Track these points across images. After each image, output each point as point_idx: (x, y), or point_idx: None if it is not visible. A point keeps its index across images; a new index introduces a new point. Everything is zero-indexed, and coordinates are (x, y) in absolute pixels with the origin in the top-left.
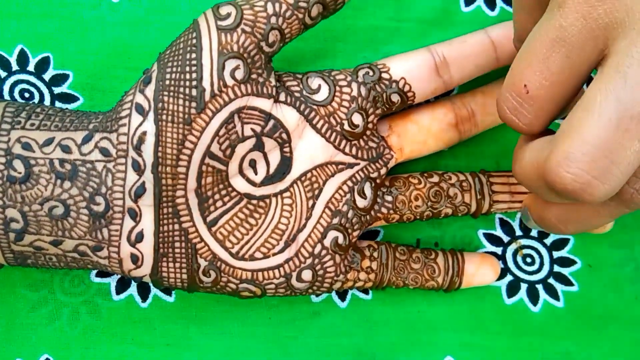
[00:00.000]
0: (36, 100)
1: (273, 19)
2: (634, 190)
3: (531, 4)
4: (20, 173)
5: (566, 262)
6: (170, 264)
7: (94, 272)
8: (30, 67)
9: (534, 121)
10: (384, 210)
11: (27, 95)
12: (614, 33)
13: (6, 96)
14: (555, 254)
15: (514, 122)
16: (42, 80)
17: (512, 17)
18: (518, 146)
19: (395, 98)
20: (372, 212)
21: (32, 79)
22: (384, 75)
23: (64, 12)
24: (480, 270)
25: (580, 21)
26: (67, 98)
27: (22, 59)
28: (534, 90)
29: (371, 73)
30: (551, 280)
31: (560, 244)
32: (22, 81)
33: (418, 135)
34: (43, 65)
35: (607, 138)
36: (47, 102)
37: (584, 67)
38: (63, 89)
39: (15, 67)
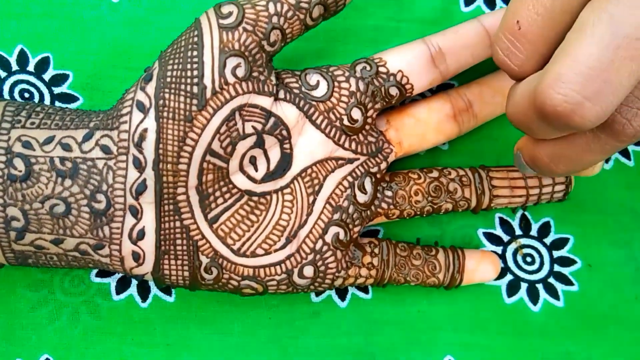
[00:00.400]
0: (36, 100)
1: (274, 19)
2: (626, 120)
3: None
4: (20, 171)
5: (566, 261)
6: (172, 262)
7: (94, 272)
8: (30, 67)
9: (526, 62)
10: (384, 205)
11: (27, 95)
12: None
13: (6, 96)
14: (556, 254)
15: (507, 64)
16: (42, 81)
17: None
18: (512, 87)
19: (393, 91)
20: (373, 208)
21: (32, 79)
22: (381, 69)
23: (64, 12)
24: (480, 267)
25: None
26: (67, 98)
27: (22, 59)
28: (526, 26)
29: (368, 67)
30: (551, 280)
31: (560, 244)
32: (22, 81)
33: (416, 128)
34: (43, 65)
35: (600, 58)
36: (47, 102)
37: (576, 1)
38: (63, 89)
39: (15, 67)
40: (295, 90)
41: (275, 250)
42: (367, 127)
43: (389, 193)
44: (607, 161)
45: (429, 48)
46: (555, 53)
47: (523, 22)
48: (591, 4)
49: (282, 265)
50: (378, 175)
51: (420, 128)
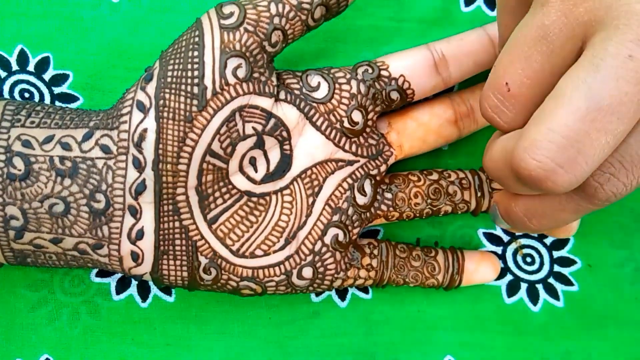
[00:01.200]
0: (36, 100)
1: (276, 20)
2: (598, 184)
3: (514, 4)
4: (20, 170)
5: (566, 261)
6: (171, 262)
7: (94, 272)
8: (30, 67)
9: (514, 119)
10: (383, 207)
11: (27, 95)
12: (592, 30)
13: (6, 96)
14: (555, 254)
15: (495, 120)
16: (42, 80)
17: (496, 20)
18: (491, 140)
19: (394, 95)
20: (372, 210)
21: (32, 79)
22: (383, 73)
23: (64, 12)
24: (480, 268)
25: (562, 19)
26: (67, 98)
27: (22, 59)
28: (515, 89)
29: (370, 70)
30: (551, 280)
31: (560, 244)
32: (22, 81)
33: (417, 131)
34: (43, 65)
35: (575, 127)
36: (47, 102)
37: (564, 65)
38: (63, 89)
39: (15, 67)
40: (296, 92)
41: (274, 251)
42: (368, 129)
43: (388, 195)
44: None
45: (433, 54)
46: (533, 116)
47: (512, 84)
48: (570, 72)
49: (281, 266)
50: (378, 178)
51: (421, 131)
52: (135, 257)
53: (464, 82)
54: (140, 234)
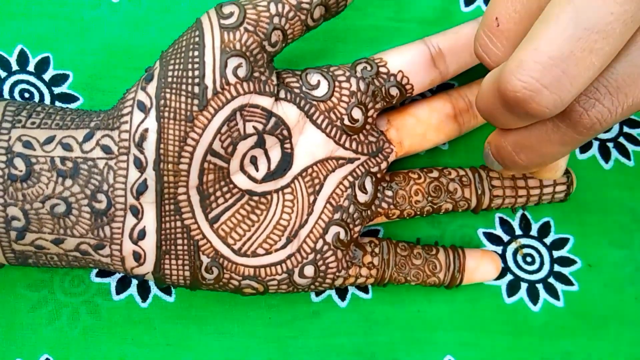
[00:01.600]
0: (36, 100)
1: (276, 19)
2: (583, 109)
3: None
4: (21, 171)
5: (566, 261)
6: (173, 261)
7: (94, 272)
8: (30, 67)
9: (502, 57)
10: (384, 205)
11: (27, 95)
12: None
13: (6, 96)
14: (556, 254)
15: (484, 59)
16: (42, 81)
17: None
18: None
19: (394, 91)
20: (373, 207)
21: (32, 79)
22: (382, 69)
23: (64, 12)
24: (481, 266)
25: None
26: (67, 98)
27: (22, 59)
28: (504, 23)
29: (369, 68)
30: (551, 280)
31: (560, 244)
32: (22, 81)
33: (417, 128)
34: (43, 65)
35: (561, 48)
36: (47, 102)
37: None
38: (63, 89)
39: (15, 67)
40: (296, 90)
41: (276, 250)
42: (368, 126)
43: (389, 193)
44: (607, 161)
45: (429, 48)
46: (522, 41)
47: (501, 19)
48: None
49: (283, 265)
50: (379, 175)
51: (421, 128)
52: (137, 257)
53: (462, 78)
54: (142, 234)
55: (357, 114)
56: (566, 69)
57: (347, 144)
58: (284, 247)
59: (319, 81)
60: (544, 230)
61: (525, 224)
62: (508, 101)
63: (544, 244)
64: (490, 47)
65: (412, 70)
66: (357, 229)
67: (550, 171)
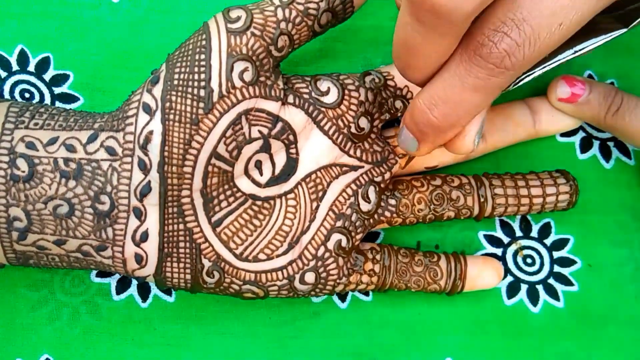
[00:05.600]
0: (36, 100)
1: (282, 24)
2: (492, 43)
3: None
4: (24, 172)
5: (566, 262)
6: (174, 264)
7: (94, 272)
8: (31, 67)
9: None
10: (387, 214)
11: (27, 95)
12: None
13: (6, 96)
14: (556, 254)
15: None
16: (43, 81)
17: None
18: None
19: (398, 104)
20: (376, 216)
21: (33, 79)
22: (390, 83)
23: (64, 12)
24: (483, 273)
25: None
26: (68, 98)
27: (23, 59)
28: None
29: (377, 80)
30: (551, 281)
31: (560, 244)
32: (23, 81)
33: None
34: (43, 65)
35: None
36: (47, 102)
37: None
38: (63, 89)
39: (15, 67)
40: (305, 96)
41: (278, 256)
42: (373, 135)
43: (392, 202)
44: (607, 160)
45: None
46: None
47: None
48: None
49: (284, 270)
50: (382, 185)
51: None
52: (139, 259)
53: None
54: (145, 236)
55: (363, 123)
56: None
57: (351, 152)
58: (285, 253)
59: (329, 88)
60: (545, 231)
61: (525, 226)
62: (414, 0)
63: (545, 245)
64: None
65: (416, 87)
66: (358, 236)
67: (461, 138)
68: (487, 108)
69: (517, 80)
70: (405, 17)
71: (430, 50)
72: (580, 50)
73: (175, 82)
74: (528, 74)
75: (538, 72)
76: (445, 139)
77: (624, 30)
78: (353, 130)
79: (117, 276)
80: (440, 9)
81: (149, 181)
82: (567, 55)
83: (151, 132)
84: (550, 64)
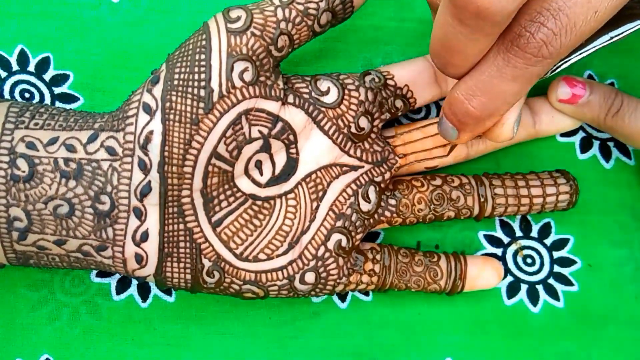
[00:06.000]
0: (36, 100)
1: (282, 24)
2: (529, 33)
3: None
4: (24, 172)
5: (566, 262)
6: (175, 264)
7: (94, 272)
8: (31, 67)
9: None
10: (387, 214)
11: (27, 95)
12: None
13: (6, 96)
14: (556, 254)
15: None
16: (43, 81)
17: None
18: None
19: (399, 104)
20: (376, 216)
21: (33, 79)
22: (389, 82)
23: (64, 12)
24: (483, 273)
25: None
26: (68, 98)
27: (23, 59)
28: None
29: (377, 80)
30: (551, 281)
31: (560, 244)
32: (23, 81)
33: (425, 143)
34: (43, 65)
35: None
36: (47, 102)
37: None
38: (63, 89)
39: (15, 67)
40: (305, 96)
41: (278, 256)
42: (373, 135)
43: (392, 202)
44: (607, 160)
45: (433, 65)
46: None
47: None
48: None
49: (284, 270)
50: (382, 185)
51: (428, 143)
52: (139, 259)
53: None
54: (145, 236)
55: (363, 122)
56: None
57: (351, 152)
58: (285, 253)
59: (329, 88)
60: (545, 231)
61: (525, 226)
62: (457, 3)
63: (545, 245)
64: None
65: (416, 86)
66: (358, 236)
67: (500, 127)
68: (524, 96)
69: (554, 68)
70: (446, 18)
71: (472, 48)
72: (616, 35)
73: (176, 82)
74: (565, 60)
75: (575, 58)
76: (485, 128)
77: None
78: (353, 130)
79: (117, 276)
80: (485, 12)
81: (149, 181)
82: (604, 41)
83: (151, 132)
84: (587, 50)
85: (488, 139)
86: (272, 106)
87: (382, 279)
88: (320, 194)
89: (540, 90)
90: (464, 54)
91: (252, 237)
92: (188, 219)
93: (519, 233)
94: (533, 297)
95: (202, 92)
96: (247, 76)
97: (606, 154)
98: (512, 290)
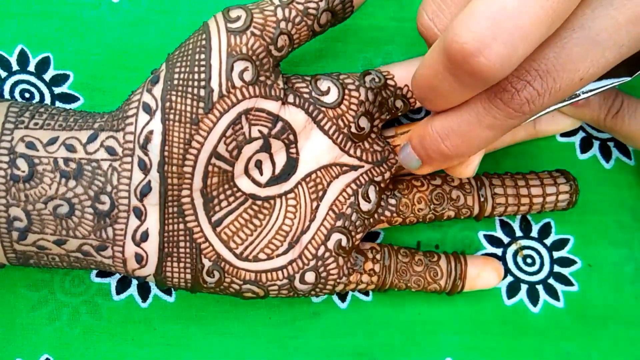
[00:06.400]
0: (36, 100)
1: (282, 24)
2: (515, 90)
3: None
4: (24, 172)
5: (566, 262)
6: (175, 264)
7: (94, 272)
8: (31, 67)
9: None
10: (387, 213)
11: (27, 95)
12: None
13: (6, 96)
14: (556, 254)
15: (430, 27)
16: (43, 81)
17: None
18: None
19: (399, 104)
20: (376, 215)
21: (33, 79)
22: (390, 82)
23: (64, 12)
24: (483, 273)
25: None
26: (68, 98)
27: (23, 59)
28: None
29: (377, 80)
30: (551, 281)
31: (560, 244)
32: (23, 81)
33: None
34: (43, 65)
35: (512, 1)
36: (47, 102)
37: None
38: (63, 89)
39: (15, 67)
40: (305, 95)
41: (278, 255)
42: (373, 135)
43: (392, 201)
44: (607, 160)
45: None
46: None
47: None
48: None
49: (284, 270)
50: (382, 185)
51: None
52: (139, 259)
53: None
54: (145, 236)
55: (364, 122)
56: (519, 23)
57: (351, 151)
58: (285, 252)
59: (329, 88)
60: (545, 231)
61: (525, 226)
62: (453, 57)
63: (545, 245)
64: (438, 14)
65: None
66: (359, 236)
67: (464, 167)
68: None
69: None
70: (438, 66)
71: (457, 97)
72: (588, 92)
73: (175, 81)
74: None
75: (546, 111)
76: (449, 165)
77: (629, 78)
78: (353, 129)
79: (117, 276)
80: (481, 74)
81: (149, 181)
82: (573, 98)
83: (151, 132)
84: (561, 105)
85: (448, 173)
86: (272, 106)
87: (382, 279)
88: (320, 193)
89: None
90: (446, 99)
91: (252, 236)
92: (188, 218)
93: (519, 233)
94: (533, 297)
95: (202, 92)
96: (247, 76)
97: (606, 154)
98: (512, 290)
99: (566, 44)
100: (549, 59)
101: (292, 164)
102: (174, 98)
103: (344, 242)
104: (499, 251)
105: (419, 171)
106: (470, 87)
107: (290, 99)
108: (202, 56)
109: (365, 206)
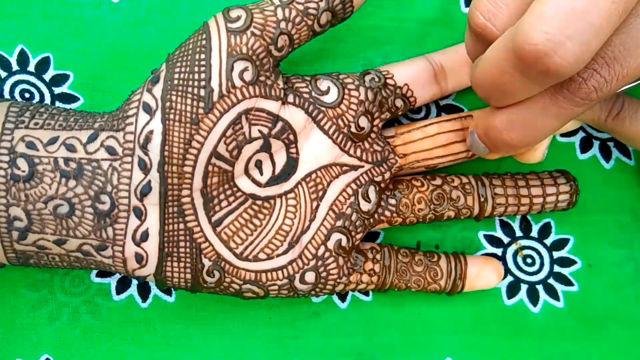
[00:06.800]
0: (36, 100)
1: (282, 24)
2: (582, 79)
3: None
4: (24, 172)
5: (566, 262)
6: (175, 264)
7: (94, 272)
8: (31, 67)
9: (507, 23)
10: (387, 213)
11: (27, 95)
12: None
13: (6, 96)
14: (556, 254)
15: (488, 27)
16: (43, 81)
17: None
18: (476, 60)
19: (399, 103)
20: (376, 215)
21: (33, 79)
22: (389, 82)
23: (64, 12)
24: (483, 273)
25: None
26: (68, 98)
27: (22, 59)
28: None
29: (377, 79)
30: (551, 281)
31: (560, 244)
32: (23, 81)
33: (424, 143)
34: (43, 65)
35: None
36: (47, 102)
37: None
38: (63, 89)
39: (15, 67)
40: (305, 95)
41: (278, 255)
42: (373, 135)
43: (392, 201)
44: (607, 160)
45: (432, 65)
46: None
47: None
48: None
49: (284, 270)
50: (382, 185)
51: (428, 143)
52: (139, 258)
53: (469, 102)
54: (145, 236)
55: (363, 122)
56: (590, 20)
57: (351, 151)
58: (285, 252)
59: (329, 87)
60: (545, 231)
61: (525, 226)
62: (526, 58)
63: (545, 245)
64: (495, 12)
65: (416, 85)
66: (359, 236)
67: (534, 152)
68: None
69: None
70: (505, 66)
71: (525, 93)
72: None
73: (176, 81)
74: None
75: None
76: (517, 152)
77: None
78: (353, 129)
79: (117, 276)
80: (555, 72)
81: (149, 181)
82: (637, 81)
83: (151, 132)
84: (625, 88)
85: (518, 159)
86: (272, 106)
87: (382, 279)
88: (320, 193)
89: None
90: (513, 95)
91: (252, 236)
92: (188, 218)
93: (519, 233)
94: (533, 297)
95: (202, 92)
96: (247, 76)
97: (606, 154)
98: (512, 290)
99: (632, 29)
100: (615, 45)
101: (292, 164)
102: (174, 98)
103: (344, 242)
104: (499, 251)
105: (489, 157)
106: (541, 84)
107: (290, 98)
108: (202, 56)
109: (365, 206)
